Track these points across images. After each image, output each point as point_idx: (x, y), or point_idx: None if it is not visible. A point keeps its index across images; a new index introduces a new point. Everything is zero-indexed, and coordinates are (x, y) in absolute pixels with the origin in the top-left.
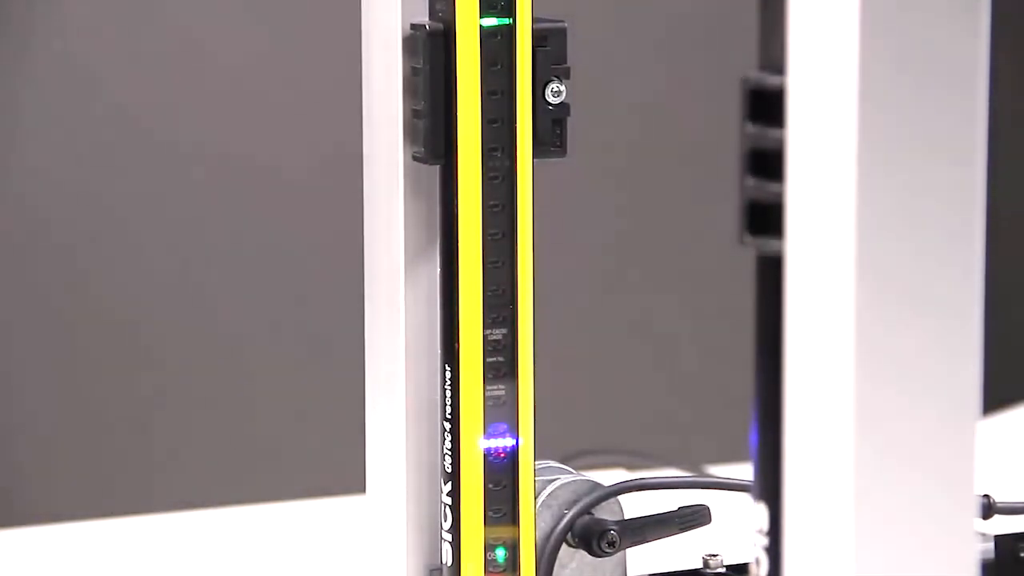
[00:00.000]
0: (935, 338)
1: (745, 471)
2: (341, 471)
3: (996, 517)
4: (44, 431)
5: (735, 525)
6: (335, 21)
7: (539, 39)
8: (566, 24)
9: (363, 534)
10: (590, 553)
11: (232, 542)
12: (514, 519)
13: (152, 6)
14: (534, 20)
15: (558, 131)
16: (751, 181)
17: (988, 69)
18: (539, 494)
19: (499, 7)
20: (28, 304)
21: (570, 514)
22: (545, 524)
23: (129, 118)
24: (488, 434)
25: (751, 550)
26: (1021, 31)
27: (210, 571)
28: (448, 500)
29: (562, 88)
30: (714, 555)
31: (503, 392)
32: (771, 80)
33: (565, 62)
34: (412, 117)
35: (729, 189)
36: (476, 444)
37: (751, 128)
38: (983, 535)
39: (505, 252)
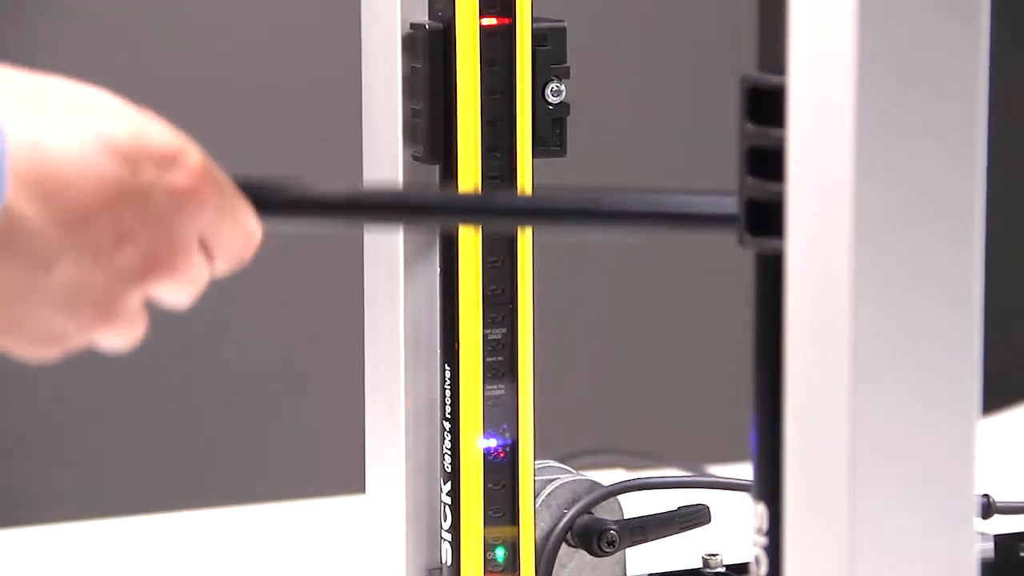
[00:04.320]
0: (935, 337)
1: (745, 471)
2: (341, 471)
3: (996, 517)
4: (43, 431)
5: (735, 525)
6: (334, 21)
7: (539, 39)
8: (566, 24)
9: (363, 534)
10: (590, 553)
11: (232, 542)
12: (514, 519)
13: (151, 5)
14: (534, 20)
15: (558, 131)
16: (751, 180)
17: (989, 69)
18: (539, 494)
19: (499, 7)
20: None
21: (570, 514)
22: (545, 524)
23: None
24: (488, 434)
25: (751, 550)
26: (1021, 31)
27: (210, 571)
28: (448, 500)
29: (562, 88)
30: (714, 555)
31: (503, 392)
32: (771, 80)
33: (565, 62)
34: (412, 117)
35: (729, 188)
36: (476, 444)
37: (751, 127)
38: (983, 535)
39: (505, 252)
